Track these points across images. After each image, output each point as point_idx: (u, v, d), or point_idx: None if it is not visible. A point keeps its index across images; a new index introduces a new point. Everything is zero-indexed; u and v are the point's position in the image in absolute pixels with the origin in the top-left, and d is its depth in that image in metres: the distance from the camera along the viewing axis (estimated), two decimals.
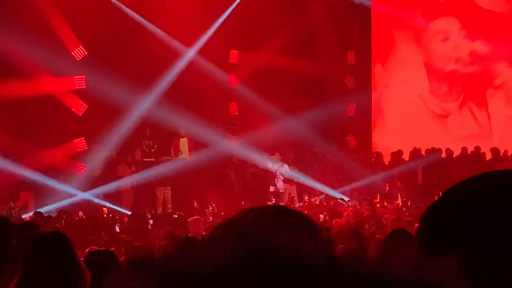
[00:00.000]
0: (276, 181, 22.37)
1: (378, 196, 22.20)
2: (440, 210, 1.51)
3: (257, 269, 0.98)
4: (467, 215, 1.43)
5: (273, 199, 21.79)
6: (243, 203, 21.27)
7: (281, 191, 22.35)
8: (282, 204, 18.50)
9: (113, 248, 10.13)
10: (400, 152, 23.72)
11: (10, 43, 21.34)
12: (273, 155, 22.66)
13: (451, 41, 25.03)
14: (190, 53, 23.92)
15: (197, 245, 1.08)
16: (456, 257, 1.16)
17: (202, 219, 14.96)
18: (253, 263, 0.98)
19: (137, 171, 22.79)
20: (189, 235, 12.96)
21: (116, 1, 23.39)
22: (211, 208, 20.81)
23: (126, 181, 22.52)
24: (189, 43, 23.84)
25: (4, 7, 21.72)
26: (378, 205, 20.68)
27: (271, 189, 22.42)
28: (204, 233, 12.72)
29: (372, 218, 16.03)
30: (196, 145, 23.49)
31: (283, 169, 22.44)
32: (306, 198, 21.78)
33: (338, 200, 20.80)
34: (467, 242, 1.40)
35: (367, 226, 14.93)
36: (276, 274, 0.97)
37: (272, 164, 22.43)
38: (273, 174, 22.38)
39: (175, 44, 23.66)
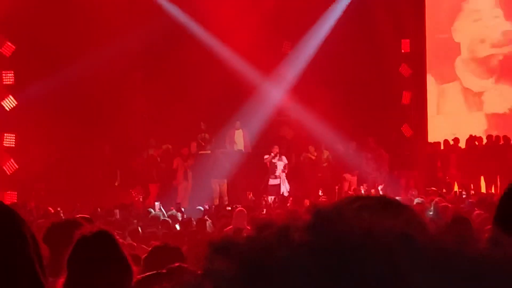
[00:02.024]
0: (275, 174, 22.47)
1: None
2: None
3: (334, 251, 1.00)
4: None
5: (272, 192, 22.02)
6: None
7: (277, 183, 22.44)
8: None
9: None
10: (456, 140, 23.51)
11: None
12: (272, 148, 22.76)
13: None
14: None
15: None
16: None
17: (245, 211, 14.87)
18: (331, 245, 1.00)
19: (192, 164, 22.89)
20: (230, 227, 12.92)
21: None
22: (264, 201, 20.93)
23: (181, 174, 22.64)
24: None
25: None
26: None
27: (271, 182, 22.49)
28: (247, 226, 12.61)
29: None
30: (250, 136, 23.55)
31: (281, 163, 22.52)
32: (364, 187, 21.73)
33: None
34: None
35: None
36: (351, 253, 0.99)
37: (269, 157, 22.54)
38: (272, 166, 22.52)
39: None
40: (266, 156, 22.69)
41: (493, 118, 24.75)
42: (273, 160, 22.54)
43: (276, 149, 22.63)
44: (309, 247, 1.00)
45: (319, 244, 1.00)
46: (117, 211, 18.13)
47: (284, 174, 22.59)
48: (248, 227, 12.46)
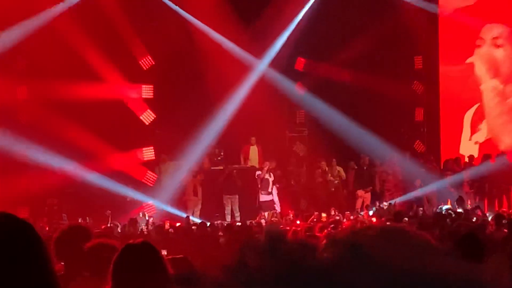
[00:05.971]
0: (268, 190, 22.33)
1: (449, 202, 21.92)
2: None
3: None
4: None
5: (267, 208, 21.99)
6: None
7: (270, 199, 22.35)
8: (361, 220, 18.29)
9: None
10: (471, 157, 23.39)
11: (86, 45, 21.70)
12: (263, 164, 22.71)
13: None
14: (260, 65, 23.90)
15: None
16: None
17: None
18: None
19: (203, 179, 22.82)
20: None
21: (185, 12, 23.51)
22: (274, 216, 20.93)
23: (190, 190, 22.58)
24: (258, 54, 23.87)
25: (86, 12, 22.17)
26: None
27: (263, 198, 22.40)
28: None
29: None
30: (264, 153, 23.44)
31: (271, 179, 22.45)
32: (376, 204, 21.69)
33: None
34: None
35: None
36: None
37: (262, 173, 22.46)
38: (264, 182, 22.42)
39: (245, 55, 23.67)
40: (258, 173, 22.61)
41: None
42: (266, 176, 22.45)
43: (267, 165, 22.58)
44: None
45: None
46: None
47: (276, 190, 22.52)
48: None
